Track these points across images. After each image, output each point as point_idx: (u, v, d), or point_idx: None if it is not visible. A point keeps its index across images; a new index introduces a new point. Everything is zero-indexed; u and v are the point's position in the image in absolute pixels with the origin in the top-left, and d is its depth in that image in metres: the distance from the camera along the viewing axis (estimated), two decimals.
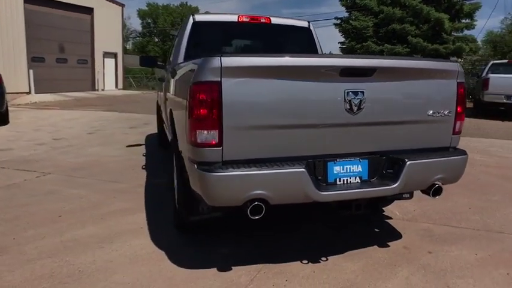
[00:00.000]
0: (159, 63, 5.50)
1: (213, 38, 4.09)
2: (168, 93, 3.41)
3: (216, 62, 1.98)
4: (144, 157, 5.69)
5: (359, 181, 2.34)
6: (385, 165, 2.38)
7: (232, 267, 2.51)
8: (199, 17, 3.89)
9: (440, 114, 2.44)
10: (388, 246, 2.87)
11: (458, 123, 2.53)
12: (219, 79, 1.98)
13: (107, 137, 7.38)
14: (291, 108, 2.12)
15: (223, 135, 2.03)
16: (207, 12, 4.01)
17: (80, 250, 2.72)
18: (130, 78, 28.94)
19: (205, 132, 2.03)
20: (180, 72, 2.61)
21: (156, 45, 55.32)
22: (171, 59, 4.56)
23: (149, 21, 56.79)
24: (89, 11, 21.97)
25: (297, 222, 3.26)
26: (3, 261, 2.54)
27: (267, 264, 2.55)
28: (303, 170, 2.11)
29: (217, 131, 2.02)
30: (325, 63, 2.13)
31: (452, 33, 19.83)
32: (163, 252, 2.70)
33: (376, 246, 2.85)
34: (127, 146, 6.51)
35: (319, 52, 4.34)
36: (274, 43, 4.27)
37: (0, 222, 3.18)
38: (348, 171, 2.31)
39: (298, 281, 2.36)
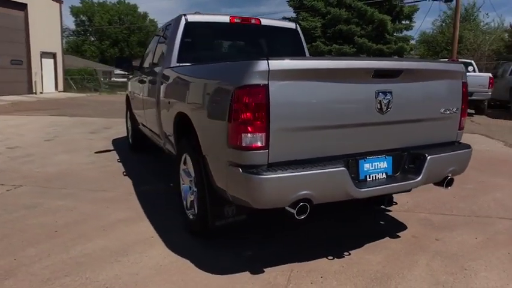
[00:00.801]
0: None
1: (206, 39, 4.02)
2: (170, 98, 3.29)
3: (263, 65, 1.97)
4: (120, 163, 5.42)
5: (385, 177, 2.46)
6: (406, 160, 2.52)
7: (264, 269, 2.51)
8: (191, 17, 3.80)
9: (450, 111, 2.65)
10: (399, 236, 3.04)
11: (462, 119, 2.75)
12: (267, 82, 1.98)
13: (69, 144, 6.92)
14: (329, 109, 2.19)
15: (270, 138, 2.03)
16: (197, 13, 3.92)
17: (97, 265, 2.56)
18: (69, 80, 27.24)
19: (252, 135, 2.02)
20: (205, 75, 2.54)
21: (92, 44, 52.54)
22: (154, 60, 4.41)
23: (83, 18, 53.81)
24: (22, 6, 20.35)
25: (309, 221, 3.33)
26: (15, 285, 2.32)
27: (296, 263, 2.59)
28: (344, 168, 2.18)
29: (264, 133, 2.02)
30: (364, 66, 2.22)
31: (394, 34, 21.18)
32: (188, 260, 2.62)
33: (388, 238, 3.01)
34: (96, 153, 6.16)
35: (306, 52, 4.45)
36: (264, 44, 4.31)
37: None
38: (376, 168, 2.42)
39: (332, 277, 2.43)
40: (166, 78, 3.56)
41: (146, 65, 4.82)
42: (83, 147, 6.55)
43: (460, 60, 14.56)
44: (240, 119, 2.02)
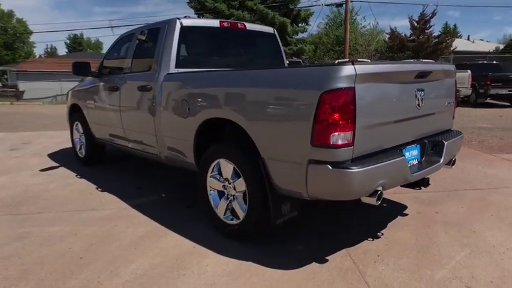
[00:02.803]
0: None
1: (200, 43, 3.97)
2: (187, 106, 3.22)
3: (350, 69, 2.17)
4: (83, 179, 4.93)
5: (417, 162, 2.88)
6: (428, 147, 2.98)
7: (327, 257, 2.71)
8: (185, 22, 3.73)
9: (449, 104, 3.20)
10: (407, 214, 3.53)
11: (455, 110, 3.34)
12: (353, 85, 2.18)
13: None
14: (390, 106, 2.50)
15: (355, 135, 2.25)
16: (187, 17, 3.87)
17: (165, 283, 2.45)
18: None
19: (342, 134, 2.21)
20: (266, 83, 2.59)
21: None
22: (137, 66, 4.18)
23: None
24: None
25: (323, 215, 3.60)
26: None
27: (347, 248, 2.86)
28: (404, 158, 2.51)
29: (351, 132, 2.23)
30: (414, 68, 2.60)
31: (293, 36, 22.72)
32: (251, 262, 2.68)
33: (400, 217, 3.47)
34: (41, 170, 5.46)
35: (283, 54, 4.72)
36: (249, 47, 4.42)
37: (10, 283, 2.49)
38: (412, 155, 2.82)
39: (387, 254, 2.76)
40: (177, 85, 3.46)
41: (118, 70, 4.50)
42: (18, 167, 5.72)
43: (359, 59, 16.42)
44: (330, 119, 2.19)
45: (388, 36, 24.06)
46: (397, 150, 2.66)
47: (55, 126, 10.40)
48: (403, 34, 23.09)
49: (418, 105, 2.72)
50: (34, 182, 4.87)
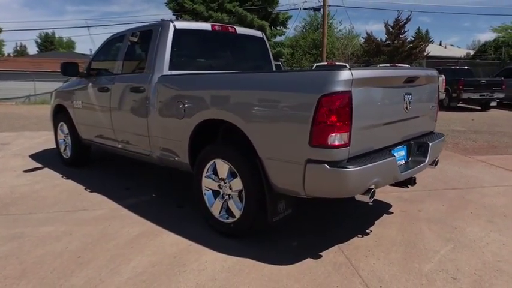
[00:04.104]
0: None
1: (193, 46, 4.03)
2: (182, 108, 3.28)
3: (348, 74, 2.31)
4: (70, 180, 4.88)
5: (404, 162, 3.05)
6: (414, 148, 3.16)
7: (321, 253, 2.84)
8: (179, 25, 3.79)
9: (433, 107, 3.40)
10: (392, 212, 3.71)
11: (437, 113, 3.55)
12: (350, 89, 2.32)
13: None
14: (383, 109, 2.67)
15: (351, 136, 2.39)
16: (178, 20, 3.94)
17: (166, 280, 2.51)
18: None
19: (339, 135, 2.34)
20: (265, 86, 2.70)
21: None
22: (128, 67, 4.21)
23: None
24: None
25: (317, 213, 3.74)
26: None
27: (338, 244, 3.00)
28: (394, 157, 2.67)
29: (348, 133, 2.36)
30: (404, 74, 2.79)
31: (271, 39, 22.94)
32: (248, 259, 2.77)
33: (386, 215, 3.65)
34: (25, 171, 5.36)
35: (271, 56, 4.85)
36: (239, 50, 4.52)
37: (11, 282, 2.48)
38: (399, 156, 2.99)
39: (377, 249, 2.91)
40: (172, 86, 3.52)
41: (108, 71, 4.50)
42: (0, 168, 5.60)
43: (336, 63, 16.81)
44: (329, 121, 2.32)
45: (364, 40, 24.68)
46: (387, 150, 2.82)
47: (32, 126, 10.14)
48: (379, 39, 23.78)
49: (406, 108, 2.89)
50: (19, 182, 4.79)
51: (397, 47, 22.47)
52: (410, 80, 2.89)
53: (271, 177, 2.71)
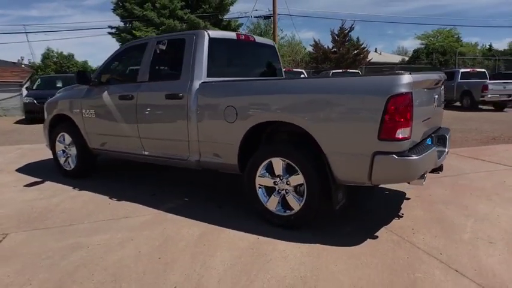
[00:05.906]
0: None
1: (222, 53, 4.27)
2: (235, 112, 3.54)
3: (409, 77, 2.77)
4: (87, 191, 4.78)
5: None
6: (435, 140, 3.73)
7: (376, 234, 3.27)
8: (212, 34, 4.02)
9: (442, 105, 4.01)
10: (410, 198, 4.25)
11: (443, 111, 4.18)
12: (411, 90, 2.78)
13: None
14: (424, 107, 3.19)
15: (412, 130, 2.84)
16: (206, 29, 4.17)
17: (261, 267, 2.75)
18: None
19: (404, 129, 2.79)
20: (333, 89, 3.07)
21: None
22: (155, 75, 4.32)
23: None
24: None
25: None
26: None
27: (384, 226, 3.45)
28: (435, 148, 3.19)
29: (410, 127, 2.82)
30: (440, 78, 3.30)
31: None
32: (318, 244, 3.11)
33: (405, 200, 4.18)
34: (26, 186, 5.14)
35: (281, 64, 5.24)
36: (257, 57, 4.85)
37: (111, 286, 2.57)
38: None
39: (418, 227, 3.40)
40: (219, 92, 3.76)
41: (129, 79, 4.57)
42: None
43: (294, 69, 17.61)
44: (396, 117, 2.75)
45: (312, 48, 26.03)
46: (425, 142, 3.33)
47: None
48: (326, 46, 25.24)
49: (435, 106, 3.44)
50: (30, 197, 4.62)
51: (343, 54, 24.07)
52: (437, 83, 3.45)
53: (334, 170, 3.07)
